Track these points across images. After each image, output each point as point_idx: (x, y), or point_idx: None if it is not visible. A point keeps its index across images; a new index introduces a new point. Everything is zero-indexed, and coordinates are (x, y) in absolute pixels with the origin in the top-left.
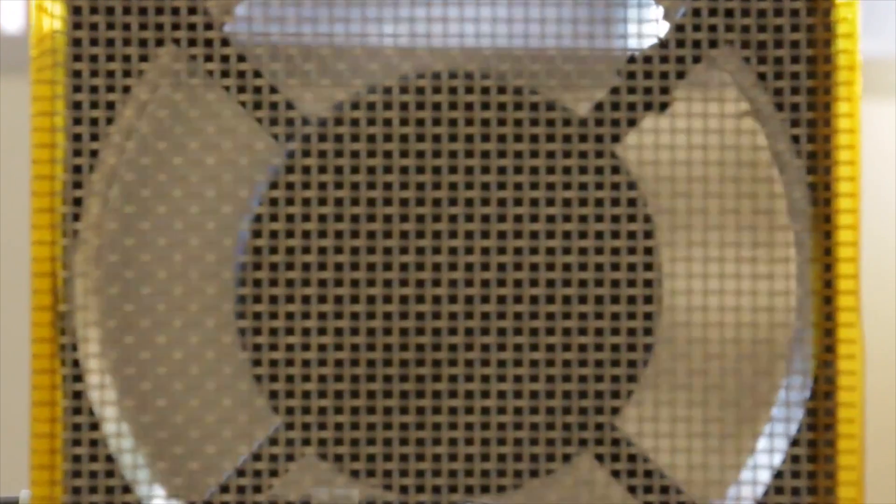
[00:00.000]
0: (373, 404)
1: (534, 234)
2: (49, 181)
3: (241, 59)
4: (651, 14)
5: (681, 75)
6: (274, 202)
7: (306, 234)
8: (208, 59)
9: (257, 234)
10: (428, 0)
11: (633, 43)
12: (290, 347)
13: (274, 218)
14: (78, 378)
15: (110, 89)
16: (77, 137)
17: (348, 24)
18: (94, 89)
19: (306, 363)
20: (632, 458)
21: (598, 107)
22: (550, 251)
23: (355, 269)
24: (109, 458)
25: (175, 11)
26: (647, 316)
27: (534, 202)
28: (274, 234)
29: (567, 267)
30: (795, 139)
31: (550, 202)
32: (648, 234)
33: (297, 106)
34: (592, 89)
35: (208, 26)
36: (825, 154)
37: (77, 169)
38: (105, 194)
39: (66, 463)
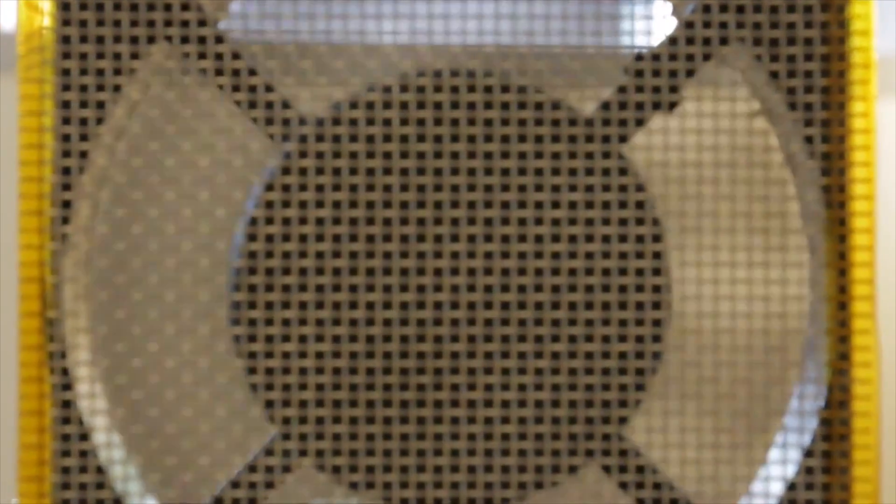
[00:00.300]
0: (372, 414)
1: (538, 238)
2: (37, 183)
3: (236, 56)
4: (659, 10)
5: (690, 73)
6: (270, 205)
7: (303, 238)
8: (202, 56)
9: (252, 237)
10: None
11: (640, 40)
12: (286, 355)
13: (270, 221)
14: (67, 387)
15: (100, 88)
16: (66, 138)
17: (346, 21)
18: (83, 88)
19: (303, 371)
20: (640, 469)
21: (605, 106)
22: (555, 255)
23: (354, 274)
24: (100, 470)
25: (167, 8)
26: (656, 322)
27: (538, 205)
28: (270, 238)
29: (573, 272)
30: (809, 140)
31: (555, 205)
32: (657, 238)
33: (294, 105)
34: (599, 88)
35: (202, 23)
36: (840, 155)
37: (66, 170)
38: (95, 197)
39: (54, 474)
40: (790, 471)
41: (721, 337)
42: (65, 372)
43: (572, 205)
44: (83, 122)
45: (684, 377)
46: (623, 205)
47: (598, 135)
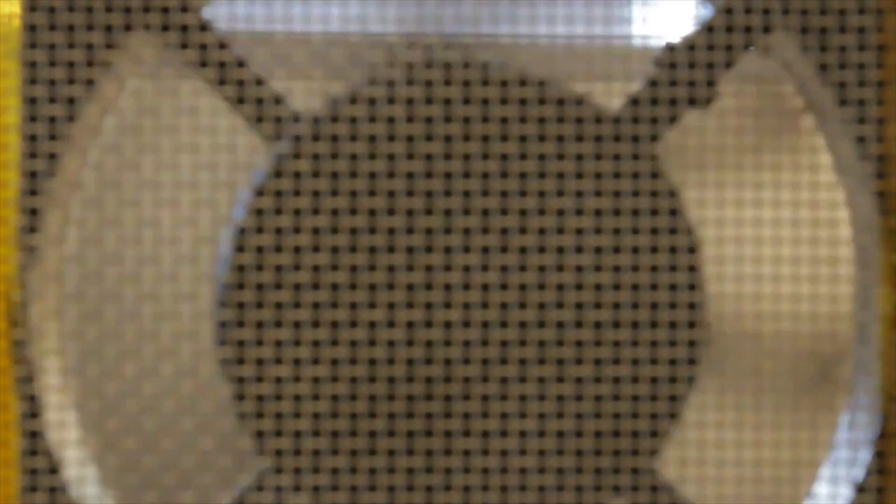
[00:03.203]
0: (374, 445)
1: (560, 250)
2: (1, 188)
3: (222, 46)
4: None
5: (729, 65)
6: (260, 212)
7: (297, 250)
8: (184, 46)
9: (241, 248)
10: None
11: (673, 29)
12: (278, 380)
13: (260, 230)
14: (35, 415)
15: (71, 82)
16: (33, 138)
17: (345, 7)
18: (52, 82)
19: (297, 398)
20: None
21: (634, 102)
22: (579, 269)
23: (354, 290)
24: None
25: None
26: (691, 343)
27: (560, 213)
28: (260, 250)
29: (598, 287)
30: (861, 139)
31: (579, 213)
32: (692, 249)
33: (287, 101)
34: (627, 82)
35: (184, 9)
36: None
37: (33, 174)
38: (65, 203)
39: None
40: None
41: (763, 360)
42: (32, 399)
43: (598, 212)
44: (52, 120)
45: (723, 404)
46: (654, 212)
47: (626, 134)
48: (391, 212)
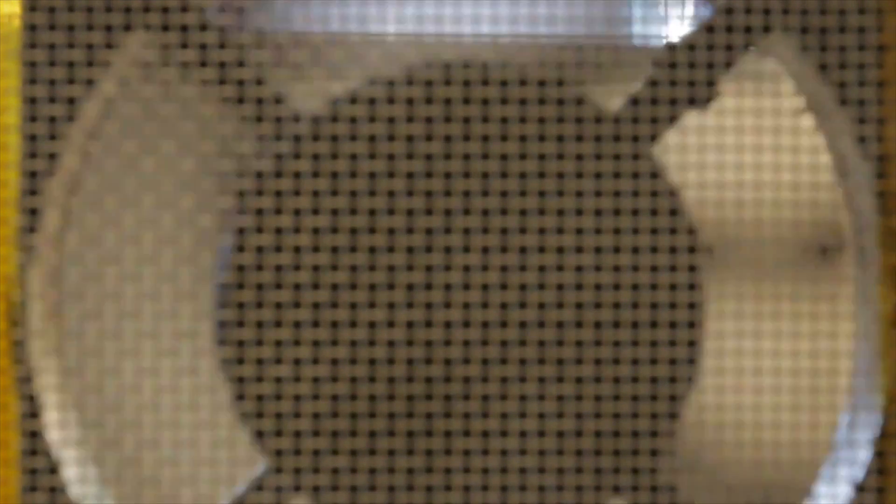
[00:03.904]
0: (374, 445)
1: (559, 250)
2: (0, 188)
3: (223, 46)
4: None
5: (729, 65)
6: (260, 212)
7: (297, 250)
8: (184, 46)
9: (241, 249)
10: None
11: (673, 29)
12: (278, 380)
13: (260, 230)
14: (34, 415)
15: (71, 82)
16: (33, 138)
17: (345, 7)
18: (52, 82)
19: (297, 398)
20: None
21: (634, 102)
22: (579, 269)
23: (354, 290)
24: None
25: None
26: (691, 343)
27: (560, 212)
28: (260, 250)
29: (598, 287)
30: (862, 140)
31: (579, 213)
32: (692, 249)
33: (287, 101)
34: (627, 82)
35: (184, 9)
36: None
37: (33, 174)
38: (65, 203)
39: None
40: None
41: (763, 358)
42: (31, 398)
43: (598, 212)
44: (52, 120)
45: (722, 404)
46: (654, 212)
47: (626, 134)
48: (391, 212)
